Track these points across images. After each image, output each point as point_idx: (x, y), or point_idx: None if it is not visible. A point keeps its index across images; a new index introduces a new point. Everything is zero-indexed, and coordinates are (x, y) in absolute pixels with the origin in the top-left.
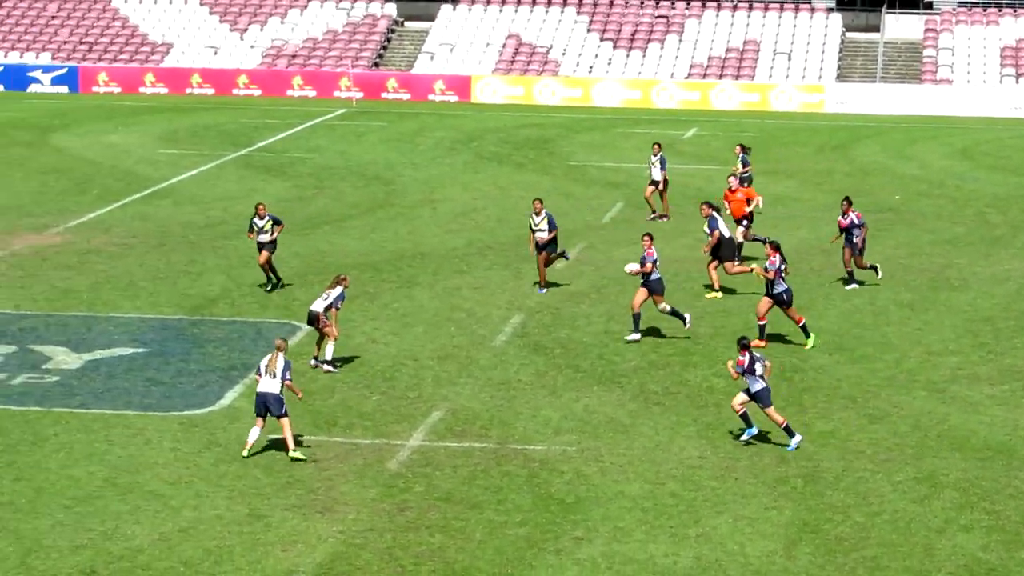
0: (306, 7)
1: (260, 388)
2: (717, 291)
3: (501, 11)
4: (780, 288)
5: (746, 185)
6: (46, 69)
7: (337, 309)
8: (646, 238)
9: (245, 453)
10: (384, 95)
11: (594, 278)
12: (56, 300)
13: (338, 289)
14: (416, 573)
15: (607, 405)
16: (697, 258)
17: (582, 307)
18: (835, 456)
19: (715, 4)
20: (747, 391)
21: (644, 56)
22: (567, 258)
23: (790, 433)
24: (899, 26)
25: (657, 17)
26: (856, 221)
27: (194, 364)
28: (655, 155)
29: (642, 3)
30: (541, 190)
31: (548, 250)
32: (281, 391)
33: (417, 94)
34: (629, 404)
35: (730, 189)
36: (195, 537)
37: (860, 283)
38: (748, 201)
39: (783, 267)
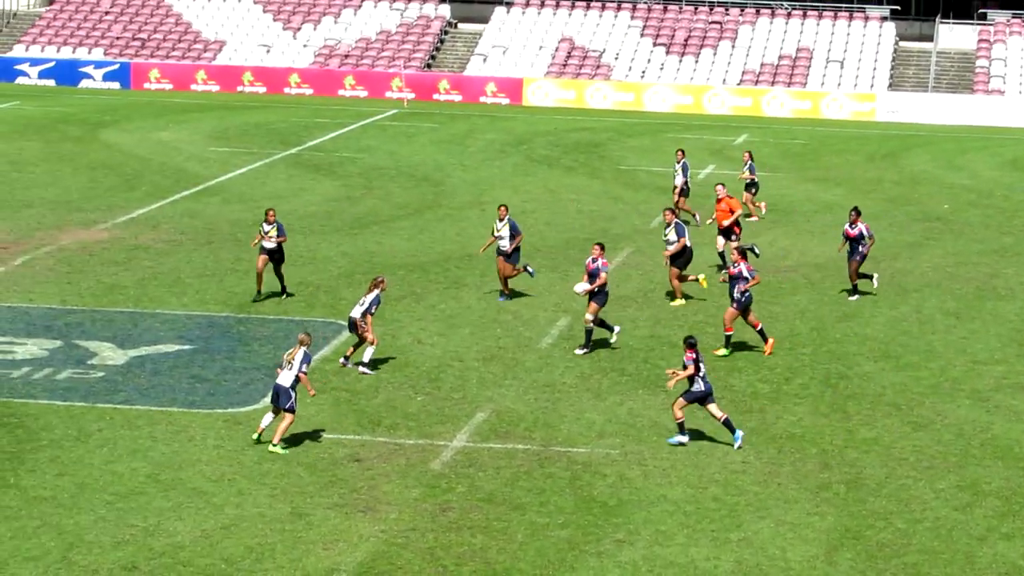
0: (360, 7)
1: (277, 380)
2: (681, 299)
3: (555, 14)
4: (736, 295)
5: (753, 192)
6: (98, 65)
7: (371, 314)
8: (596, 248)
9: (255, 436)
10: (436, 96)
11: (641, 282)
12: (102, 296)
13: (373, 293)
14: (458, 573)
15: (651, 409)
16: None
17: (628, 311)
18: (878, 463)
19: (769, 11)
20: (688, 392)
21: (696, 62)
22: (531, 274)
23: (731, 429)
24: (952, 36)
25: (710, 23)
26: (865, 232)
27: (239, 362)
28: (679, 161)
29: (696, 9)
30: (591, 194)
31: (512, 260)
32: (293, 385)
33: (469, 96)
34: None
35: (717, 199)
36: (237, 534)
37: (863, 293)
38: (731, 212)
39: (747, 275)
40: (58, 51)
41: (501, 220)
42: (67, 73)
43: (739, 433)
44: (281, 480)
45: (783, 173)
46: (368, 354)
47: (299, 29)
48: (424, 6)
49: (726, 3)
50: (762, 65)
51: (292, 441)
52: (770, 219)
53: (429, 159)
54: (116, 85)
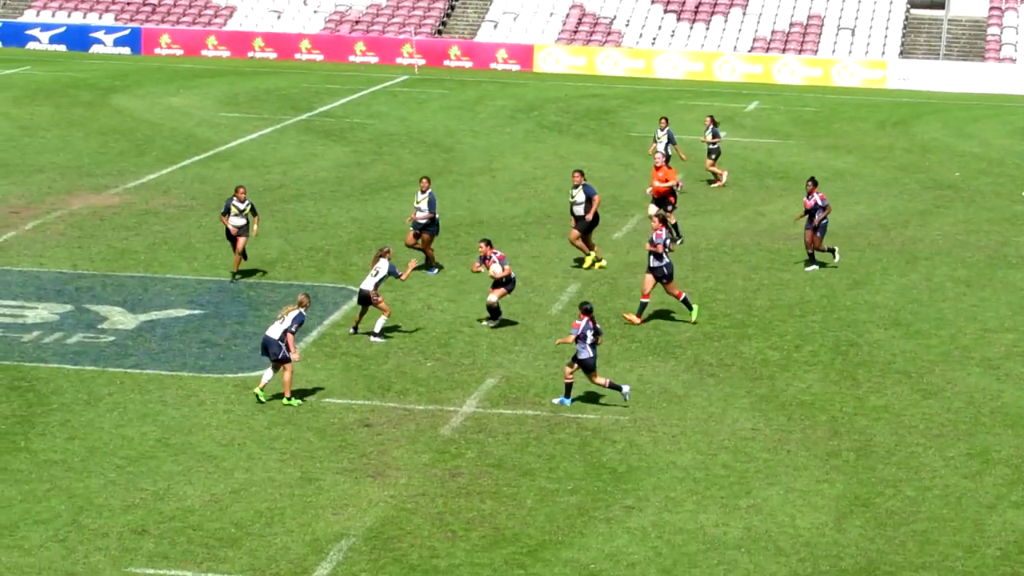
0: None
1: (267, 332)
2: (600, 260)
3: None
4: (659, 263)
5: (714, 158)
6: (109, 30)
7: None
8: (482, 244)
9: (256, 391)
10: (446, 63)
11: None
12: (113, 260)
13: (384, 263)
14: (467, 538)
15: (661, 375)
16: (753, 231)
17: (638, 278)
18: (888, 430)
19: None
20: (575, 358)
21: (707, 29)
22: (435, 269)
23: (617, 387)
24: (964, 4)
25: None
26: (820, 203)
27: (249, 327)
28: (662, 129)
29: None
30: (601, 160)
31: (429, 232)
32: (281, 338)
33: (479, 62)
34: (683, 375)
35: (655, 166)
36: (247, 499)
37: (820, 264)
38: (667, 182)
39: (668, 241)
40: (69, 16)
41: (423, 192)
42: (78, 38)
43: (627, 388)
44: (291, 445)
45: (794, 141)
46: (380, 323)
47: None
48: None
49: None
50: (773, 32)
51: (301, 406)
52: (780, 187)
53: (439, 125)
54: (127, 50)
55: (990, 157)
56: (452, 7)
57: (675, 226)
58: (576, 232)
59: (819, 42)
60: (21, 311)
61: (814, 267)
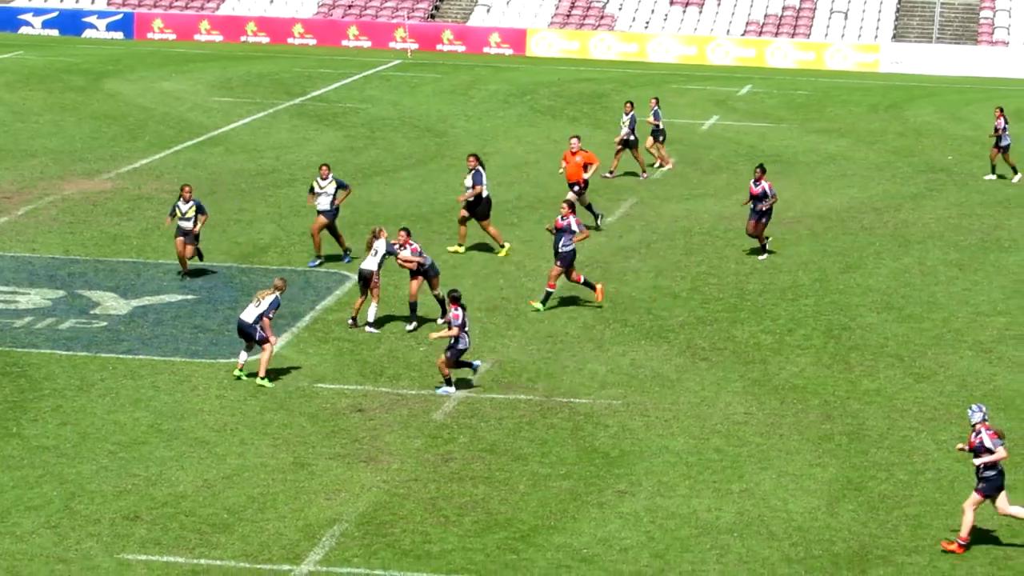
0: None
1: (241, 315)
2: (460, 247)
3: None
4: (567, 248)
5: (661, 140)
6: (101, 15)
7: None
8: (401, 233)
9: (236, 373)
10: (439, 47)
11: (644, 233)
12: (106, 246)
13: (382, 242)
14: (459, 523)
15: (654, 360)
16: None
17: (631, 262)
18: (880, 414)
19: None
20: (453, 347)
21: (700, 12)
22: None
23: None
24: None
25: None
26: (767, 191)
27: (242, 312)
28: (627, 114)
29: None
30: (594, 144)
31: (330, 216)
32: (256, 321)
33: (472, 46)
34: (676, 359)
35: (571, 151)
36: (239, 484)
37: (771, 252)
38: (586, 167)
39: (576, 229)
40: (61, 1)
41: (324, 179)
42: (70, 23)
43: (477, 362)
44: (283, 430)
45: (787, 124)
46: (373, 312)
47: None
48: None
49: None
50: (766, 16)
51: (294, 392)
52: (773, 171)
53: (432, 110)
54: (119, 35)
55: (983, 140)
56: None
57: (590, 207)
58: (464, 213)
59: (812, 26)
60: (13, 296)
61: (766, 256)
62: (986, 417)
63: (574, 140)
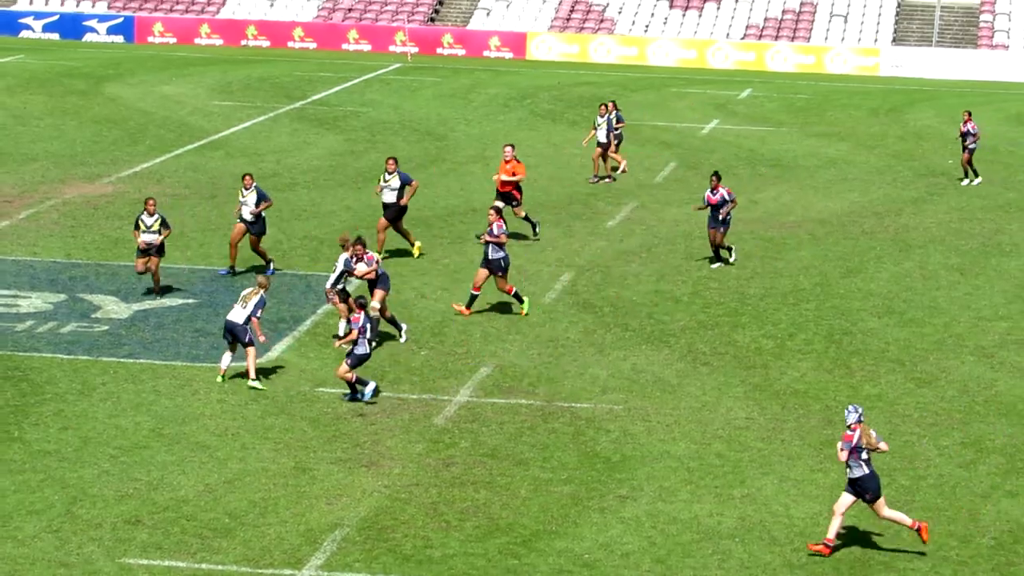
0: None
1: (228, 316)
2: (416, 244)
3: None
4: (498, 255)
5: (616, 144)
6: (102, 19)
7: (258, 317)
8: (358, 247)
9: (219, 379)
10: (439, 50)
11: (645, 237)
12: (107, 249)
13: (343, 257)
14: (460, 528)
15: (655, 364)
16: (746, 219)
17: (632, 266)
18: (882, 419)
19: None
20: (352, 353)
21: (700, 16)
22: (232, 273)
23: (363, 383)
24: None
25: None
26: (727, 197)
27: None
28: (601, 116)
29: None
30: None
31: (255, 231)
32: (246, 322)
33: (472, 50)
34: (677, 364)
35: (505, 159)
36: (240, 489)
37: (725, 261)
38: (515, 176)
39: (502, 234)
40: (62, 4)
41: (247, 188)
42: (71, 27)
43: (371, 386)
44: (284, 435)
45: (787, 128)
46: (342, 326)
47: None
48: None
49: None
50: (766, 19)
51: (296, 397)
52: (773, 174)
53: (433, 113)
54: (120, 39)
55: (983, 144)
56: None
57: (527, 218)
58: (385, 221)
59: (812, 29)
60: (15, 300)
61: (719, 264)
62: (861, 419)
63: (508, 148)
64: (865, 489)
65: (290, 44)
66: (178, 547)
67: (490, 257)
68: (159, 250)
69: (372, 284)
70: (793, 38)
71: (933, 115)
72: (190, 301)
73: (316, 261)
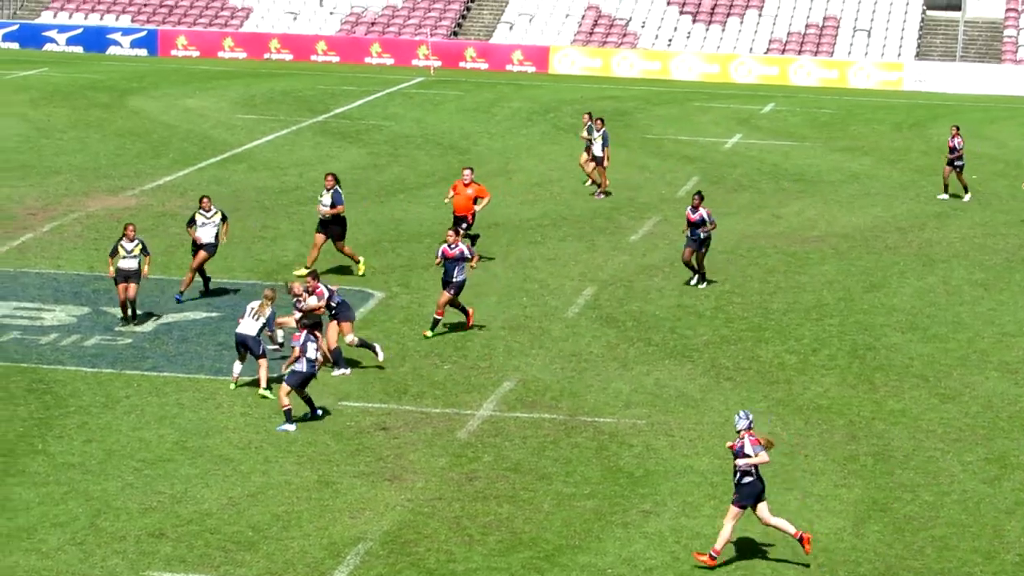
0: None
1: (239, 329)
2: (306, 268)
3: None
4: (460, 277)
5: (599, 154)
6: (125, 32)
7: (271, 331)
8: (309, 279)
9: (232, 386)
10: (462, 64)
11: (668, 252)
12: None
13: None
14: (483, 543)
15: (678, 379)
16: (769, 233)
17: (655, 280)
18: (906, 435)
19: None
20: (294, 371)
21: (723, 30)
22: (179, 301)
23: (288, 418)
24: (980, 5)
25: None
26: (706, 217)
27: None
28: (598, 130)
29: None
30: (616, 162)
31: (209, 251)
32: (258, 334)
33: (495, 64)
34: (700, 379)
35: (462, 182)
36: (264, 502)
37: (710, 281)
38: (476, 200)
39: (468, 255)
40: (86, 18)
41: (207, 211)
42: (94, 40)
43: (289, 427)
44: (307, 448)
45: (810, 143)
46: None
47: None
48: None
49: None
50: (789, 34)
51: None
52: (797, 189)
53: (455, 127)
54: (143, 52)
55: (1007, 159)
56: (467, 9)
57: (472, 240)
58: (321, 237)
59: (835, 44)
60: (39, 313)
61: (704, 284)
62: (751, 425)
63: (467, 171)
64: (749, 495)
65: (313, 58)
66: (202, 560)
67: (455, 279)
68: (138, 277)
69: (335, 316)
70: (816, 52)
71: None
72: (214, 314)
73: (339, 275)
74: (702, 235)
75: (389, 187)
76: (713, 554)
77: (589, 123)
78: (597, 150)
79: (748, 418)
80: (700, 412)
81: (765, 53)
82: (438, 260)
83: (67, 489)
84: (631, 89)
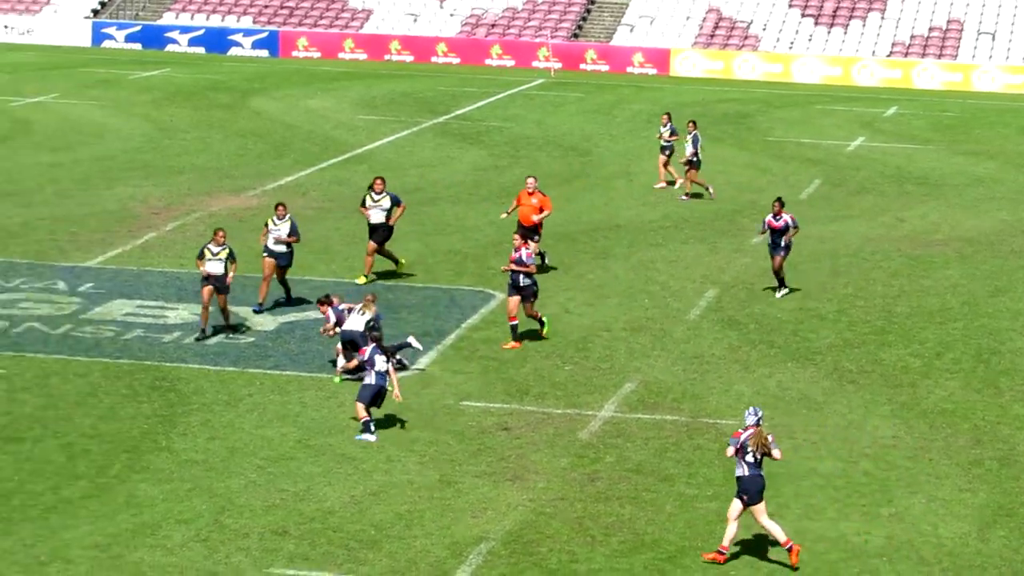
0: None
1: (346, 326)
2: (367, 276)
3: None
4: (528, 281)
5: (668, 155)
6: (247, 33)
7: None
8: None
9: (336, 380)
10: (582, 66)
11: (790, 254)
12: (252, 262)
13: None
14: (606, 543)
15: (800, 382)
16: (893, 237)
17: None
18: None
19: None
20: (365, 387)
21: (845, 33)
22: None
23: (367, 428)
24: None
25: None
26: (790, 223)
27: (387, 329)
28: (690, 132)
29: None
30: (738, 165)
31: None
32: (365, 331)
33: (616, 66)
34: (823, 381)
35: (526, 191)
36: (386, 501)
37: (794, 290)
38: (541, 209)
39: (526, 260)
40: (207, 19)
41: (281, 218)
42: (216, 41)
43: (369, 436)
44: (430, 448)
45: (933, 146)
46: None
47: None
48: None
49: None
50: (912, 37)
51: (440, 410)
52: (920, 193)
53: (576, 129)
54: (264, 53)
55: None
56: (588, 11)
57: (541, 255)
58: (374, 244)
59: (959, 47)
60: (162, 312)
61: (785, 291)
62: (760, 422)
63: (530, 180)
64: (744, 490)
65: (433, 59)
66: (324, 558)
67: (520, 284)
68: (226, 287)
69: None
70: (940, 56)
71: None
72: None
73: (460, 275)
74: (785, 241)
75: (510, 188)
76: (722, 550)
77: (669, 124)
78: (688, 151)
79: (758, 414)
80: (823, 415)
81: (888, 56)
82: (505, 267)
83: (191, 486)
84: (752, 91)
